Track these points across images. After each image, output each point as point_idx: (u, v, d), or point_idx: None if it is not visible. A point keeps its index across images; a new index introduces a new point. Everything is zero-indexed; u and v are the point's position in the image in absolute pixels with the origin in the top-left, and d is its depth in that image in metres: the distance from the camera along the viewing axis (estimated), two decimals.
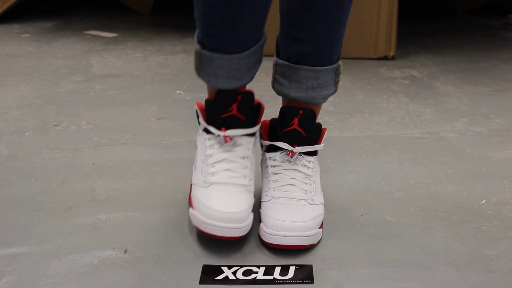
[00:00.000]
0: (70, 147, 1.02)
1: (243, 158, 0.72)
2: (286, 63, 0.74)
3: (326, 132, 0.76)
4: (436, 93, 1.33)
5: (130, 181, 0.89)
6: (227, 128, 0.71)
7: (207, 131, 0.73)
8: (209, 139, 0.73)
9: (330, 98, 1.26)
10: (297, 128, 0.73)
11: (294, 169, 0.73)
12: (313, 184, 0.74)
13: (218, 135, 0.72)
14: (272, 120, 0.77)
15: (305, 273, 0.66)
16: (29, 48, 1.73)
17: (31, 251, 0.70)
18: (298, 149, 0.73)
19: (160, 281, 0.64)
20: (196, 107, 0.75)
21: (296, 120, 0.72)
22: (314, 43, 0.72)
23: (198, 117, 0.75)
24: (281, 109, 0.75)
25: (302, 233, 0.68)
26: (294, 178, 0.73)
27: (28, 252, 0.70)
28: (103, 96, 1.31)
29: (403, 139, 1.06)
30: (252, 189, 0.72)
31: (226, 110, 0.70)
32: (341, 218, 0.78)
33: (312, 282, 0.64)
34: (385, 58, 1.61)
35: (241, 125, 0.72)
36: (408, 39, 1.82)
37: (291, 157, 0.73)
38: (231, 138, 0.71)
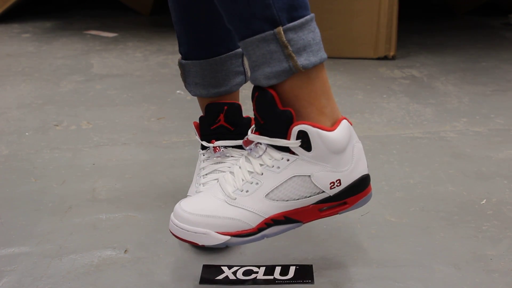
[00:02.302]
0: (70, 147, 1.02)
1: None
2: None
3: (297, 126, 0.59)
4: (436, 93, 1.33)
5: (130, 181, 0.89)
6: (217, 140, 0.75)
7: (203, 148, 0.77)
8: (203, 154, 0.76)
9: None
10: (255, 114, 0.62)
11: (248, 159, 0.63)
12: (256, 184, 0.61)
13: (210, 148, 0.75)
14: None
15: (305, 273, 0.65)
16: (29, 48, 1.74)
17: (31, 251, 0.70)
18: (252, 137, 0.62)
19: (160, 281, 0.64)
20: (194, 126, 0.78)
21: (253, 104, 0.62)
22: (224, 14, 0.61)
23: (196, 135, 0.78)
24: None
25: (178, 223, 0.62)
26: (240, 168, 0.63)
27: (28, 252, 0.70)
28: (103, 96, 1.31)
29: (403, 139, 1.06)
30: None
31: (215, 121, 0.74)
32: (342, 218, 0.77)
33: (312, 282, 0.64)
34: (385, 58, 1.61)
35: (229, 136, 0.75)
36: (408, 39, 1.82)
37: (245, 146, 0.63)
38: (219, 148, 0.74)
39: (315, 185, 0.61)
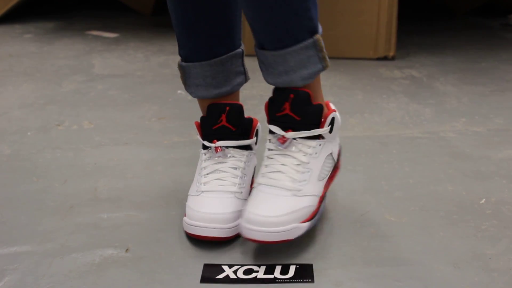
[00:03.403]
0: (72, 146, 1.02)
1: (235, 168, 0.75)
2: (258, 50, 0.71)
3: (331, 114, 0.70)
4: (436, 93, 1.33)
5: (131, 181, 0.89)
6: (218, 140, 0.75)
7: (204, 147, 0.77)
8: (205, 153, 0.76)
9: (330, 98, 1.26)
10: (289, 113, 0.68)
11: (287, 155, 0.69)
12: (308, 172, 0.69)
13: (211, 148, 0.75)
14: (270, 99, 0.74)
15: (306, 272, 0.66)
16: (31, 48, 1.74)
17: (33, 250, 0.70)
18: (291, 134, 0.69)
19: (161, 280, 0.65)
20: (195, 126, 0.79)
21: (287, 105, 0.68)
22: (264, 30, 0.68)
23: (197, 135, 0.79)
24: (273, 91, 0.72)
25: (269, 229, 0.65)
26: (285, 165, 0.69)
27: (30, 250, 0.70)
28: (104, 96, 1.31)
29: (403, 139, 1.06)
30: (243, 196, 0.74)
31: (217, 121, 0.74)
32: (342, 217, 0.78)
33: (312, 281, 0.64)
34: (385, 58, 1.62)
35: (231, 136, 0.75)
36: (408, 39, 1.82)
37: (282, 144, 0.69)
38: (221, 148, 0.74)
39: (333, 159, 0.75)
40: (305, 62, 0.68)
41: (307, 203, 0.69)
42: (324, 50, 0.69)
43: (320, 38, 0.68)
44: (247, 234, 0.66)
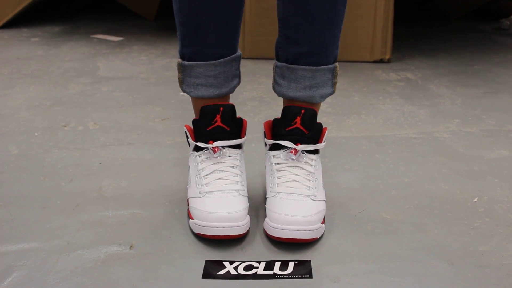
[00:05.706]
0: (78, 146, 1.03)
1: (233, 167, 0.76)
2: (285, 64, 0.77)
3: (326, 131, 0.78)
4: (430, 95, 1.34)
5: (135, 180, 0.90)
6: (214, 140, 0.75)
7: (197, 149, 0.77)
8: (199, 155, 0.77)
9: (328, 100, 1.28)
10: (299, 127, 0.75)
11: (297, 166, 0.75)
12: (316, 181, 0.75)
13: (207, 149, 0.76)
14: (275, 120, 0.79)
15: (304, 268, 0.67)
16: (38, 52, 1.75)
17: (40, 247, 0.71)
18: (301, 146, 0.75)
19: (164, 276, 0.66)
20: (185, 129, 0.79)
21: (298, 119, 0.74)
22: (310, 43, 0.74)
23: (187, 138, 0.79)
24: (284, 108, 0.77)
25: (306, 227, 0.70)
26: (298, 175, 0.75)
27: (37, 247, 0.71)
28: (109, 97, 1.32)
29: (399, 139, 1.07)
30: (245, 193, 0.75)
31: (211, 122, 0.75)
32: (339, 215, 0.79)
33: (310, 277, 0.65)
34: (381, 61, 1.63)
35: (226, 136, 0.76)
36: (403, 43, 1.83)
37: (294, 155, 0.75)
38: (219, 148, 0.75)
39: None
40: (325, 83, 0.77)
41: (322, 206, 0.74)
42: (337, 77, 0.78)
43: (338, 66, 0.78)
44: (284, 234, 0.70)
